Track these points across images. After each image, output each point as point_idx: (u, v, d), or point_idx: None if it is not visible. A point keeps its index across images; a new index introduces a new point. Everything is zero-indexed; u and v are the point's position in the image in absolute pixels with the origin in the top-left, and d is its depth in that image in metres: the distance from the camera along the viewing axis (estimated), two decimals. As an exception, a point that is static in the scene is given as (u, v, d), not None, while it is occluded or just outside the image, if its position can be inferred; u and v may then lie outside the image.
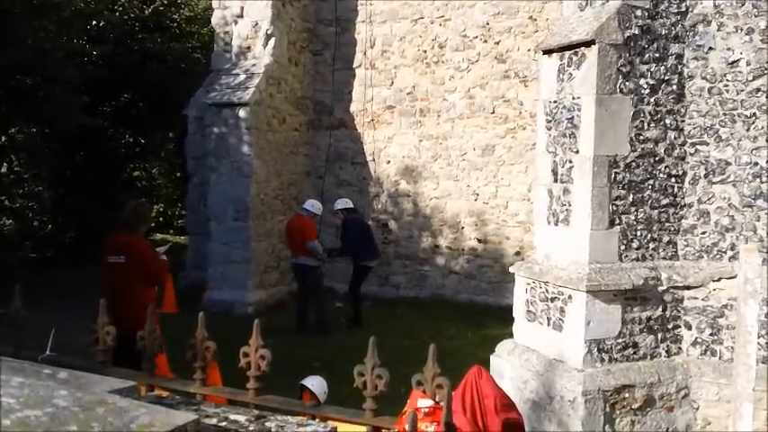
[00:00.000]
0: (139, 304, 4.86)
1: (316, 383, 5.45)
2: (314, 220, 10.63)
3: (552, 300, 6.01)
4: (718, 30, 5.94)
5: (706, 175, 6.02)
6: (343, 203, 11.25)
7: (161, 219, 21.71)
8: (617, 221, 5.83)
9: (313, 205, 10.61)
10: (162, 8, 17.45)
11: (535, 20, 12.08)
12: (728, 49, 5.92)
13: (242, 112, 11.68)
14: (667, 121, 6.00)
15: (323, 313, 10.44)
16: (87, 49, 15.18)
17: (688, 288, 6.02)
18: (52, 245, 16.69)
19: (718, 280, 5.94)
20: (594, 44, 5.66)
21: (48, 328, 3.54)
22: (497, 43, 12.33)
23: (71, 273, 13.05)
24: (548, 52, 6.24)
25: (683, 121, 6.06)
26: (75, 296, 9.33)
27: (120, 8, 16.44)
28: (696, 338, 6.04)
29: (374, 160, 13.38)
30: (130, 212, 6.26)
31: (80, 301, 6.45)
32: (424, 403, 2.27)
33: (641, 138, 5.89)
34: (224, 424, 1.96)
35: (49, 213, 17.73)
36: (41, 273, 13.34)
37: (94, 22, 15.78)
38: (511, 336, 6.66)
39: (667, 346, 6.04)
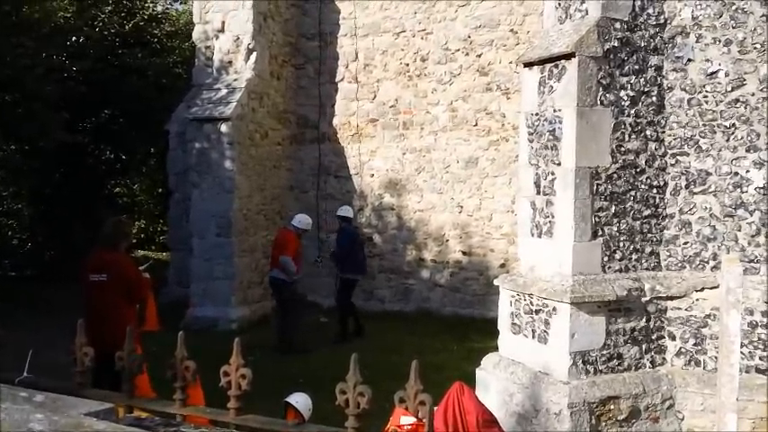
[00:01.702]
0: (122, 323, 4.80)
1: (300, 400, 5.41)
2: (299, 236, 10.41)
3: (537, 312, 6.01)
4: (697, 41, 6.00)
5: (687, 186, 6.06)
6: (343, 211, 11.31)
7: (143, 235, 21.53)
8: (600, 233, 5.85)
9: (300, 221, 10.44)
10: (142, 23, 17.40)
11: (516, 33, 12.15)
12: (707, 60, 5.98)
13: (224, 127, 11.64)
14: (648, 133, 6.04)
15: (289, 332, 10.03)
16: (67, 65, 15.08)
17: (671, 298, 6.04)
18: (32, 263, 16.51)
19: (701, 290, 5.97)
20: (575, 57, 5.69)
21: (27, 348, 3.48)
22: (479, 56, 12.39)
23: (51, 291, 12.90)
24: (529, 65, 6.27)
25: (663, 133, 6.11)
26: (56, 315, 9.24)
27: (100, 24, 16.37)
28: (680, 349, 6.05)
29: (358, 174, 13.37)
30: (111, 230, 6.20)
31: (61, 320, 6.37)
32: (407, 420, 2.25)
33: (622, 149, 5.92)
34: (204, 445, 1.93)
35: (28, 231, 17.54)
36: (21, 291, 13.17)
37: (74, 38, 15.70)
38: (496, 349, 6.65)
39: (652, 356, 6.05)
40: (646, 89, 6.03)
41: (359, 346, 9.54)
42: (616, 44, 5.86)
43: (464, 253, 12.68)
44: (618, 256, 5.96)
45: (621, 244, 5.97)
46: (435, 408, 3.18)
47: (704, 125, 5.99)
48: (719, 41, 5.94)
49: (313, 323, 11.55)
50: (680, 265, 6.12)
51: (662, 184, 6.13)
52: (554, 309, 5.80)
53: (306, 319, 10.50)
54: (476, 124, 12.45)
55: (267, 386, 6.02)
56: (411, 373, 2.00)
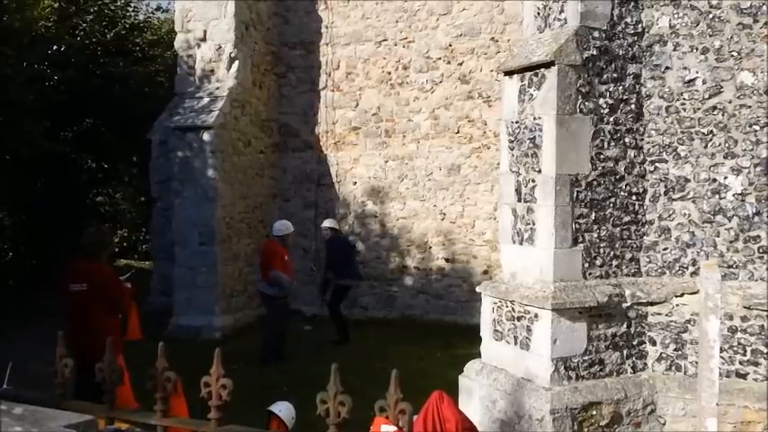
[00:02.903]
0: (103, 333, 4.78)
1: (283, 409, 5.41)
2: (282, 244, 10.19)
3: (519, 319, 6.04)
4: (674, 50, 6.08)
5: (666, 192, 6.13)
6: (328, 223, 11.46)
7: (125, 244, 21.40)
8: (580, 239, 5.90)
9: (277, 230, 10.30)
10: (124, 32, 17.34)
11: (497, 41, 12.24)
12: (685, 68, 6.05)
13: (206, 136, 11.62)
14: (627, 140, 6.10)
15: (267, 341, 9.91)
16: (48, 74, 15.00)
17: (651, 304, 6.09)
18: (14, 273, 16.36)
19: (681, 295, 6.02)
20: (554, 65, 5.75)
21: (9, 360, 3.46)
22: (460, 64, 12.46)
23: (34, 301, 12.79)
24: (509, 73, 6.32)
25: (642, 140, 6.17)
26: (39, 325, 9.16)
27: (82, 32, 16.29)
28: (661, 354, 6.10)
29: (340, 182, 13.39)
30: (91, 239, 6.17)
31: (44, 330, 6.34)
32: (387, 429, 2.26)
33: (602, 156, 5.97)
34: (185, 456, 1.93)
35: (10, 241, 17.39)
36: (3, 301, 13.05)
37: (56, 47, 15.62)
38: (480, 355, 6.67)
39: (633, 362, 6.10)
40: (624, 97, 6.09)
41: (343, 353, 9.55)
42: (595, 53, 5.92)
43: (447, 260, 12.72)
44: (598, 262, 6.01)
45: (602, 250, 6.02)
46: (415, 417, 3.20)
47: (682, 132, 6.06)
48: (697, 49, 6.02)
49: (297, 331, 11.54)
50: (660, 271, 6.17)
51: (641, 190, 6.19)
52: (536, 315, 5.84)
53: (282, 328, 10.11)
54: (458, 132, 12.52)
55: (251, 395, 6.02)
56: (391, 381, 2.02)
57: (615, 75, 6.04)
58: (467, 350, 8.45)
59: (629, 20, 6.11)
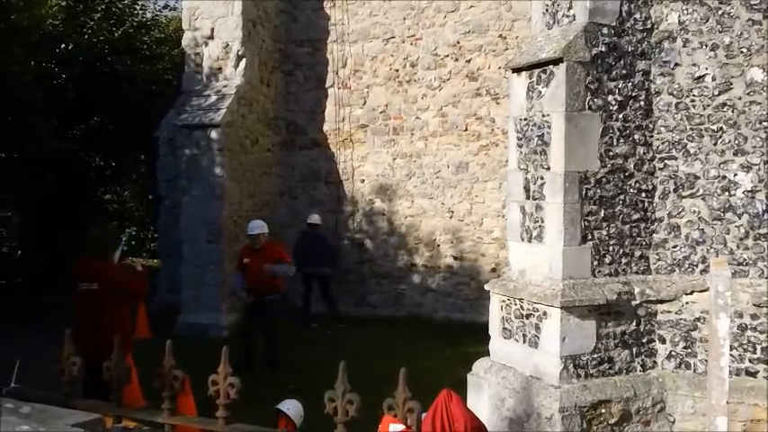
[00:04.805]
0: (112, 331, 4.78)
1: (291, 407, 5.40)
2: (251, 246, 9.45)
3: (527, 316, 6.02)
4: (684, 46, 6.03)
5: (675, 190, 6.08)
6: (311, 219, 12.18)
7: (133, 242, 21.48)
8: (589, 237, 5.86)
9: (246, 228, 9.77)
10: (132, 30, 17.39)
11: (505, 38, 12.21)
12: (694, 64, 6.00)
13: (214, 134, 11.63)
14: (636, 137, 6.06)
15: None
16: (56, 73, 15.05)
17: (661, 302, 6.05)
18: (22, 271, 16.42)
19: (691, 293, 5.98)
20: (562, 62, 5.71)
21: (16, 358, 3.46)
22: (468, 61, 12.43)
23: (41, 299, 12.84)
24: (517, 70, 6.28)
25: (651, 137, 6.13)
26: (46, 323, 9.20)
27: (90, 31, 16.34)
28: (670, 352, 6.07)
29: (348, 179, 13.39)
30: (97, 237, 6.18)
31: (51, 329, 6.36)
32: (395, 428, 2.24)
33: (611, 153, 5.94)
34: (193, 455, 1.92)
35: (17, 239, 17.46)
36: (11, 300, 13.10)
37: (63, 45, 15.68)
38: (488, 353, 6.65)
39: (642, 360, 6.06)
40: (633, 94, 6.05)
41: (350, 351, 9.54)
42: (603, 49, 5.88)
43: (455, 258, 12.70)
44: (607, 260, 5.97)
45: (611, 248, 5.98)
46: (424, 415, 3.19)
47: (692, 129, 6.01)
48: (706, 46, 5.97)
49: (301, 329, 11.58)
50: (669, 268, 6.13)
51: (650, 188, 6.15)
52: (544, 313, 5.81)
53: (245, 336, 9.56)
54: (465, 129, 12.50)
55: (259, 393, 6.01)
56: (399, 380, 2.00)
57: (624, 71, 6.00)
58: (475, 348, 8.44)
59: (637, 16, 6.06)
